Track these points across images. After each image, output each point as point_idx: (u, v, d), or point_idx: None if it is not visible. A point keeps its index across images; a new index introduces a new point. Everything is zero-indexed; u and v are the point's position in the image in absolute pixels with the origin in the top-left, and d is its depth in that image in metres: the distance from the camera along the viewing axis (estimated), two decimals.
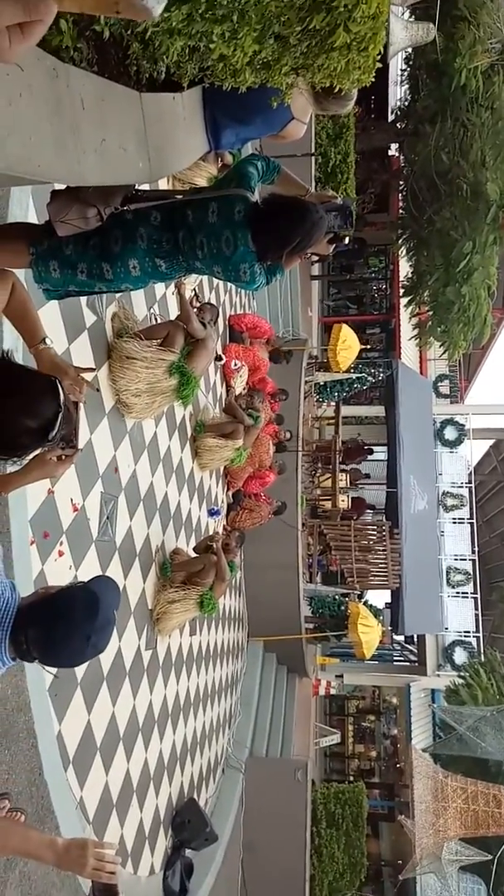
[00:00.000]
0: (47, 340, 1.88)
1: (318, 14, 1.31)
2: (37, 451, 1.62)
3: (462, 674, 13.79)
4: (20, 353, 2.54)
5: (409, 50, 10.40)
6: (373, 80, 1.95)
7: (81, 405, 2.03)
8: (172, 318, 5.54)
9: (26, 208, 3.16)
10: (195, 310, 5.23)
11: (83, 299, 4.08)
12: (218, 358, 7.44)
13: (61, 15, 1.67)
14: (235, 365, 7.75)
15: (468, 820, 7.69)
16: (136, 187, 2.33)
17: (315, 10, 1.30)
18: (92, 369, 4.31)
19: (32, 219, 3.15)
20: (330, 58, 1.63)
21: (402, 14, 9.27)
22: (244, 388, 8.23)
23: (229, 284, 5.69)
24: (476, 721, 9.51)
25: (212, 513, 7.29)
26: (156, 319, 5.31)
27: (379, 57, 1.71)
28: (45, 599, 1.59)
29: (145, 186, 2.39)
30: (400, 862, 16.17)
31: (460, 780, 8.19)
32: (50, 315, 3.61)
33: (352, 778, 20.57)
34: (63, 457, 1.72)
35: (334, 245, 2.50)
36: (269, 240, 2.16)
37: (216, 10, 1.33)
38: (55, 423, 1.46)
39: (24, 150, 1.30)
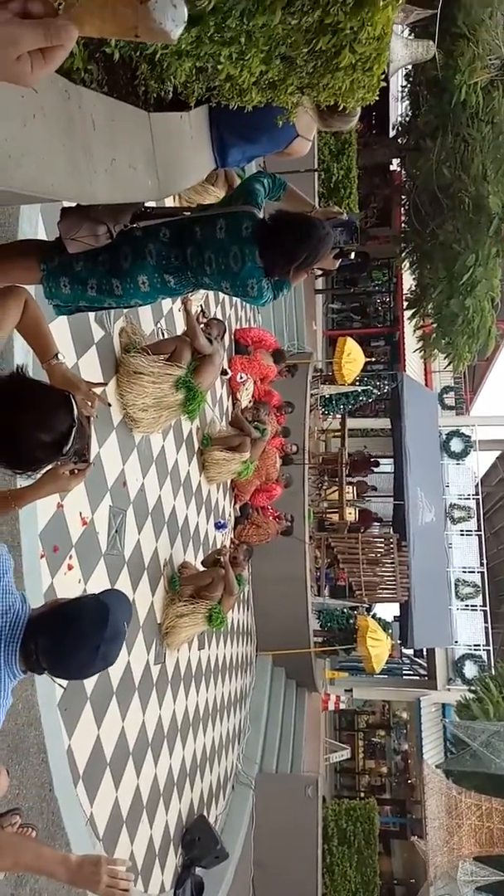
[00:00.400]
0: (59, 356, 1.90)
1: (324, 36, 1.35)
2: (50, 466, 1.64)
3: (473, 688, 13.65)
4: (31, 369, 2.58)
5: (410, 67, 10.54)
6: (375, 97, 2.00)
7: (93, 420, 2.06)
8: (179, 332, 5.59)
9: (36, 225, 3.22)
10: (202, 325, 5.28)
11: (91, 315, 4.13)
12: (224, 372, 7.48)
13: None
14: (241, 378, 7.79)
15: (483, 837, 7.57)
16: (145, 205, 2.37)
17: (321, 32, 1.33)
18: (102, 384, 4.35)
19: (42, 235, 3.21)
20: (335, 77, 1.67)
21: (403, 32, 9.41)
22: (250, 402, 8.26)
23: (235, 299, 5.74)
24: (490, 736, 9.38)
25: (218, 526, 7.30)
26: (163, 334, 5.36)
27: (383, 76, 1.75)
28: (55, 609, 1.59)
29: (153, 203, 2.43)
30: (413, 881, 15.93)
31: (474, 796, 8.07)
32: (59, 330, 3.66)
33: (363, 794, 20.32)
34: (76, 471, 1.73)
35: (339, 260, 2.53)
36: (277, 255, 2.20)
37: (224, 33, 1.37)
38: (69, 438, 1.47)
39: (38, 170, 1.34)
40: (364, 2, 1.22)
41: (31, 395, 1.48)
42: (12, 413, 1.41)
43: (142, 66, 1.94)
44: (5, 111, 1.23)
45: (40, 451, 1.47)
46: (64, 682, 3.55)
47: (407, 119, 12.08)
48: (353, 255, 2.50)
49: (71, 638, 1.52)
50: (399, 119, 12.72)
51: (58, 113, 1.43)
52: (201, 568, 6.25)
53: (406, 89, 11.92)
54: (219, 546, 7.35)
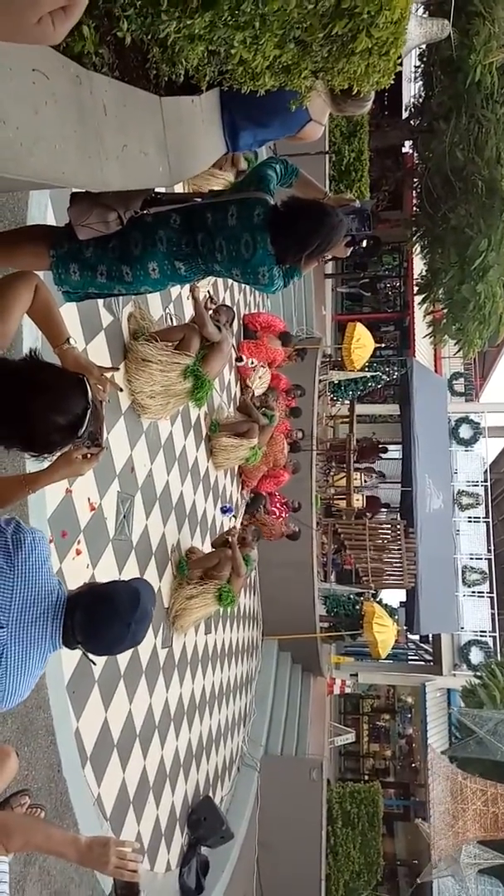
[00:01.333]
0: (71, 341, 1.90)
1: (340, 20, 1.32)
2: (64, 449, 1.65)
3: (478, 674, 13.71)
4: (43, 355, 2.58)
5: (424, 46, 10.34)
6: (391, 81, 1.96)
7: (105, 404, 2.06)
8: (188, 317, 5.57)
9: (45, 210, 3.19)
10: (210, 312, 5.24)
11: (100, 300, 4.11)
12: (238, 359, 7.45)
13: (83, 21, 1.69)
14: (251, 363, 7.75)
15: (487, 822, 7.64)
16: (156, 191, 2.35)
17: (338, 16, 1.30)
18: (115, 368, 4.35)
19: (51, 220, 3.18)
20: (351, 62, 1.64)
21: (417, 10, 9.22)
22: (271, 386, 8.21)
23: (243, 284, 5.71)
24: (497, 724, 9.42)
25: (225, 510, 7.31)
26: (172, 320, 5.34)
27: (399, 60, 1.71)
28: (92, 588, 1.72)
29: (163, 189, 2.41)
30: (416, 862, 16.14)
31: (480, 781, 8.13)
32: (67, 316, 3.64)
33: (367, 777, 20.53)
34: (89, 455, 1.75)
35: (351, 248, 2.50)
36: (289, 243, 2.17)
37: (238, 17, 1.34)
38: (84, 420, 1.49)
39: (50, 157, 1.32)
40: None
41: (45, 378, 1.49)
42: (27, 396, 1.43)
43: (153, 50, 1.91)
44: (17, 98, 1.21)
45: (56, 434, 1.49)
46: (96, 659, 3.66)
47: (420, 100, 11.87)
48: (364, 243, 2.46)
49: (106, 614, 1.64)
50: (412, 100, 12.50)
51: (69, 99, 1.41)
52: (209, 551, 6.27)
53: (419, 69, 11.69)
54: (227, 530, 7.37)
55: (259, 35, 1.48)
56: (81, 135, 1.47)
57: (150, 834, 4.99)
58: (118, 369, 4.43)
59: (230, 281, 7.30)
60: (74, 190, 2.20)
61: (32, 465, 2.96)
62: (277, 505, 8.95)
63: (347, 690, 15.97)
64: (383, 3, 1.24)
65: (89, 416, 1.50)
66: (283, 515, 8.83)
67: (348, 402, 13.84)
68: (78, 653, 1.73)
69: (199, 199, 2.39)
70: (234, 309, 7.20)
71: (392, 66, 1.74)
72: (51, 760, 3.40)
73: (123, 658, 4.50)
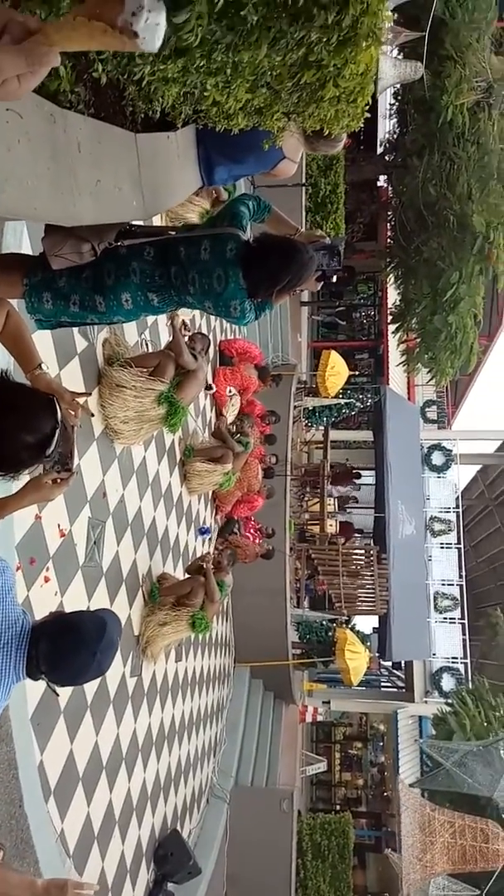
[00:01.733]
0: (43, 366, 1.90)
1: (308, 70, 1.37)
2: (33, 472, 1.64)
3: (449, 701, 13.71)
4: (14, 377, 2.56)
5: (398, 85, 10.69)
6: (360, 125, 2.02)
7: (76, 429, 2.06)
8: (164, 343, 5.59)
9: (20, 237, 3.21)
10: (186, 338, 5.28)
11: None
12: (208, 387, 7.47)
13: (60, 62, 1.72)
14: (230, 392, 7.80)
15: (455, 855, 7.58)
16: (130, 223, 2.38)
17: (305, 66, 1.35)
18: (87, 394, 4.33)
19: (27, 248, 3.20)
20: (320, 107, 1.69)
21: (392, 52, 9.55)
22: (241, 412, 8.27)
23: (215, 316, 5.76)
24: (463, 756, 9.40)
25: (202, 531, 7.26)
26: (147, 346, 5.35)
27: (367, 107, 1.77)
28: (57, 617, 1.73)
29: (139, 222, 2.44)
30: (386, 894, 15.89)
31: (448, 813, 8.09)
32: (41, 340, 3.64)
33: (338, 807, 20.27)
34: (59, 480, 1.75)
35: (322, 283, 2.56)
36: (260, 278, 2.21)
37: (211, 64, 1.38)
38: (52, 440, 1.50)
39: (23, 194, 1.34)
40: (347, 42, 1.24)
41: (15, 397, 1.51)
42: None
43: (129, 88, 1.95)
44: None
45: (24, 452, 1.49)
46: (59, 689, 3.62)
47: (394, 137, 12.23)
48: (335, 278, 2.51)
49: (71, 643, 1.64)
50: (387, 136, 12.87)
51: (43, 137, 1.43)
52: (185, 575, 6.22)
53: (394, 107, 12.08)
54: (200, 555, 7.32)
55: (231, 80, 1.53)
56: (54, 171, 1.49)
57: (114, 870, 4.85)
58: (90, 395, 4.42)
59: None
60: None
61: (1, 485, 2.93)
62: (251, 531, 8.94)
63: (320, 718, 15.84)
64: (349, 57, 1.29)
65: (58, 436, 1.51)
66: (258, 541, 8.83)
67: (322, 427, 13.95)
68: (43, 683, 1.72)
69: (173, 233, 2.43)
70: (210, 335, 7.25)
71: (360, 112, 1.80)
72: (12, 795, 3.30)
73: (90, 688, 4.42)
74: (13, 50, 0.76)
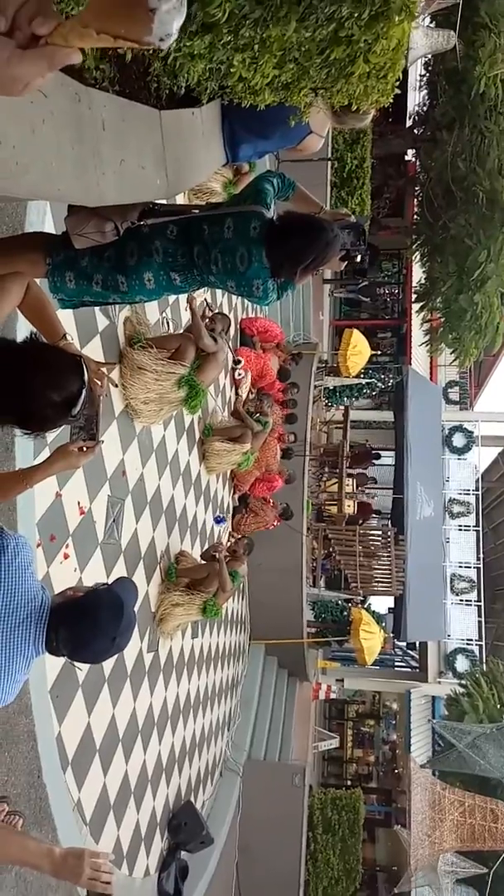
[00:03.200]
0: (67, 337, 1.91)
1: (338, 46, 1.32)
2: (60, 430, 1.66)
3: (463, 682, 13.75)
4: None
5: (429, 56, 10.37)
6: (390, 100, 1.96)
7: (103, 398, 2.08)
8: (184, 321, 5.56)
9: (43, 216, 3.19)
10: (206, 320, 5.24)
11: None
12: (237, 361, 7.44)
13: None
14: (239, 375, 7.78)
15: (464, 833, 7.66)
16: (154, 202, 2.34)
17: (335, 42, 1.30)
18: (112, 363, 4.35)
19: (49, 227, 3.18)
20: (349, 83, 1.64)
21: (424, 21, 9.24)
22: (251, 392, 8.24)
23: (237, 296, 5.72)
24: (476, 738, 9.43)
25: (218, 521, 7.28)
26: (168, 324, 5.33)
27: (397, 82, 1.71)
28: (75, 602, 1.71)
29: (162, 201, 2.40)
30: (395, 868, 16.16)
31: (458, 792, 8.16)
32: (63, 319, 3.62)
33: (349, 783, 20.55)
34: (85, 448, 1.78)
35: (346, 262, 2.51)
36: (284, 257, 2.17)
37: (238, 40, 1.34)
38: (79, 399, 1.52)
39: (47, 175, 1.32)
40: (379, 16, 1.19)
41: (44, 356, 1.54)
42: (25, 371, 1.46)
43: (154, 64, 1.91)
44: (15, 117, 1.20)
45: (50, 410, 1.51)
46: (83, 666, 3.72)
47: (424, 109, 11.91)
48: (359, 259, 2.46)
49: (89, 630, 1.65)
50: (416, 109, 12.54)
51: (67, 116, 1.40)
52: (199, 559, 6.26)
53: (424, 79, 11.73)
54: (217, 537, 7.36)
55: (258, 56, 1.48)
56: (79, 151, 1.47)
57: (129, 839, 4.97)
58: (115, 364, 4.43)
59: None
60: None
61: (20, 455, 2.94)
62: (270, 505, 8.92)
63: (333, 695, 16.00)
64: (380, 32, 1.24)
65: (84, 397, 1.53)
66: (273, 505, 8.80)
67: (343, 407, 13.86)
68: (61, 657, 1.74)
69: (196, 211, 2.39)
70: (231, 314, 7.20)
71: (390, 87, 1.74)
72: (31, 766, 3.38)
73: (108, 662, 4.49)
74: (35, 56, 0.74)
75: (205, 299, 5.02)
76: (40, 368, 1.49)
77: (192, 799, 6.43)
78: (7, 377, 1.45)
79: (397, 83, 1.76)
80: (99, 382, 1.92)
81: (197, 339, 4.84)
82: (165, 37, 0.70)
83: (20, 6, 0.70)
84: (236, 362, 7.50)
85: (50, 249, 2.30)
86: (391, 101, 1.97)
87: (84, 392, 1.52)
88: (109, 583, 1.78)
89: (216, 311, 6.05)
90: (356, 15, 1.18)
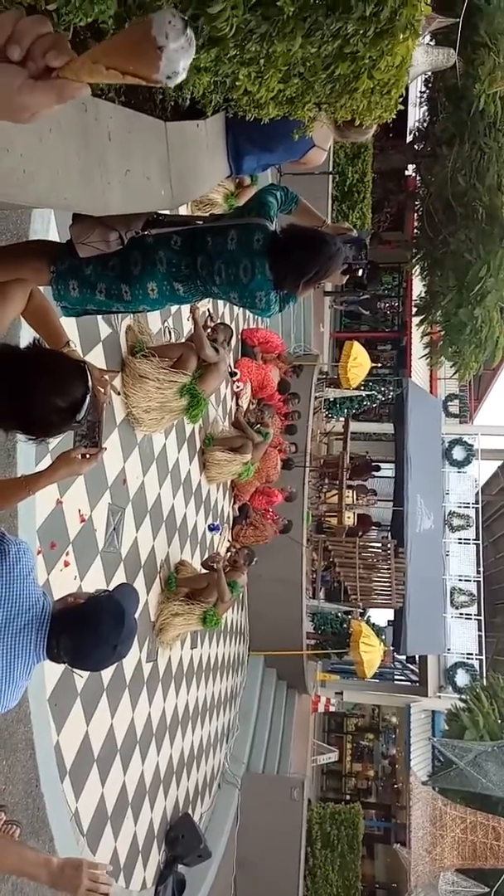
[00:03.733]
0: (70, 344, 1.93)
1: (343, 62, 1.34)
2: (63, 436, 1.67)
3: (463, 697, 13.66)
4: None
5: (430, 73, 10.50)
6: (393, 116, 1.99)
7: (106, 405, 2.10)
8: (186, 330, 5.59)
9: (47, 223, 3.22)
10: (208, 331, 5.28)
11: None
12: (232, 374, 7.47)
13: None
14: (238, 387, 7.81)
15: (466, 851, 7.57)
16: (158, 212, 2.37)
17: (340, 58, 1.33)
18: (115, 371, 4.37)
19: (53, 234, 3.21)
20: (353, 98, 1.67)
21: (424, 39, 9.36)
22: (251, 402, 8.27)
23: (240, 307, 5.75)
24: (477, 756, 9.34)
25: (212, 528, 7.27)
26: (170, 333, 5.36)
27: (400, 98, 1.74)
28: (76, 609, 1.70)
29: (166, 211, 2.43)
30: (395, 885, 15.98)
31: (460, 809, 8.07)
32: (65, 326, 3.64)
33: (348, 797, 20.36)
34: (88, 455, 1.79)
35: (347, 276, 2.53)
36: (287, 269, 2.20)
37: (244, 54, 1.37)
38: (83, 405, 1.52)
39: (53, 184, 1.34)
40: (384, 34, 1.22)
41: (47, 362, 1.54)
42: (30, 377, 1.47)
43: None
44: (22, 126, 1.23)
45: (54, 415, 1.51)
46: (82, 674, 3.71)
47: (424, 125, 12.04)
48: (361, 272, 2.49)
49: (90, 638, 1.65)
50: (416, 125, 12.67)
51: (74, 126, 1.43)
52: (200, 568, 6.26)
53: (425, 95, 11.88)
54: (217, 546, 7.36)
55: (263, 70, 1.51)
56: (85, 160, 1.49)
57: (126, 851, 4.93)
58: (118, 372, 4.46)
59: None
60: None
61: (24, 470, 2.95)
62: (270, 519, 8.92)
63: (332, 708, 15.88)
64: (385, 49, 1.27)
65: (88, 402, 1.53)
66: (274, 519, 8.80)
67: (343, 419, 13.88)
68: (61, 665, 1.74)
69: (200, 222, 2.42)
70: (233, 324, 7.23)
71: (394, 103, 1.77)
72: (29, 775, 3.37)
73: (107, 671, 4.48)
74: (45, 88, 0.76)
75: (206, 310, 5.06)
76: (45, 374, 1.50)
77: (190, 811, 6.38)
78: (11, 383, 1.45)
79: (400, 99, 1.79)
80: (102, 389, 1.93)
81: (199, 350, 4.87)
82: (172, 75, 0.72)
83: (36, 39, 0.72)
84: (232, 374, 7.53)
85: (54, 257, 2.33)
86: (394, 116, 2.01)
87: (88, 398, 1.53)
88: (110, 590, 1.78)
89: (218, 321, 6.09)
90: (361, 32, 1.21)
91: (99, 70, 0.73)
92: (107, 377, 2.00)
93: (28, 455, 3.12)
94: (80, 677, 3.74)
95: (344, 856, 9.96)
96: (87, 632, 1.65)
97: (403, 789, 15.41)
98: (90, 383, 1.55)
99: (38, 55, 0.72)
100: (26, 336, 2.89)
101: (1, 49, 0.72)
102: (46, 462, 2.63)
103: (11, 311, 1.81)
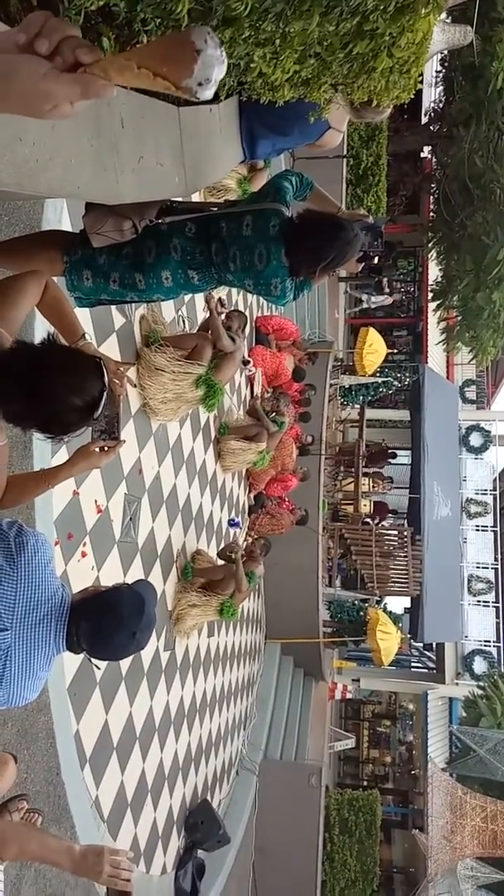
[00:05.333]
0: (86, 336, 1.91)
1: (361, 40, 1.30)
2: (81, 433, 1.66)
3: (481, 684, 13.62)
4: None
5: (446, 52, 10.27)
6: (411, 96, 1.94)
7: (122, 397, 2.08)
8: (200, 319, 5.56)
9: (60, 213, 3.20)
10: (222, 317, 5.24)
11: None
12: (245, 362, 7.43)
13: (104, 32, 1.68)
14: (249, 371, 7.76)
15: (486, 839, 7.57)
16: (171, 199, 2.34)
17: (359, 36, 1.29)
18: (131, 364, 4.36)
19: (66, 224, 3.18)
20: (371, 78, 1.62)
21: (440, 16, 9.16)
22: (266, 391, 8.22)
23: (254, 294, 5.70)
24: (497, 744, 9.31)
25: (232, 524, 7.27)
26: (184, 322, 5.33)
27: (420, 77, 1.69)
28: (96, 595, 1.72)
29: (179, 198, 2.40)
30: (412, 870, 16.07)
31: (480, 797, 8.07)
32: (79, 317, 3.63)
33: (366, 783, 20.45)
34: (106, 448, 1.78)
35: (363, 263, 2.49)
36: (303, 256, 2.16)
37: (259, 35, 1.33)
38: (100, 402, 1.50)
39: (66, 173, 1.31)
40: (405, 9, 1.17)
41: (63, 359, 1.51)
42: (45, 377, 1.44)
43: None
44: None
45: (72, 414, 1.50)
46: (101, 664, 3.73)
47: (440, 106, 11.82)
48: (376, 260, 2.44)
49: (111, 624, 1.64)
50: (432, 105, 12.43)
51: (87, 113, 1.40)
52: (216, 557, 6.26)
53: (441, 75, 11.64)
54: (233, 537, 7.36)
55: (279, 51, 1.46)
56: (97, 148, 1.46)
57: (146, 837, 4.99)
58: (134, 364, 4.44)
59: None
60: None
61: (40, 464, 2.96)
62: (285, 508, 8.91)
63: (349, 696, 15.91)
64: (406, 25, 1.22)
65: (105, 398, 1.51)
66: (290, 508, 8.78)
67: (358, 406, 13.79)
68: (80, 655, 1.74)
69: (214, 209, 2.38)
70: (247, 311, 7.18)
71: (413, 83, 1.72)
72: (50, 763, 3.40)
73: (125, 661, 4.50)
74: (70, 79, 0.75)
75: (219, 297, 5.02)
76: (61, 373, 1.47)
77: (209, 798, 6.44)
78: (28, 382, 1.43)
79: (420, 78, 1.73)
80: (118, 382, 1.92)
81: (216, 340, 4.84)
82: (205, 81, 0.71)
83: (65, 37, 0.72)
84: (245, 363, 7.48)
85: (67, 247, 2.31)
86: (412, 96, 1.95)
87: (105, 394, 1.51)
88: (129, 583, 1.79)
89: (232, 308, 6.04)
90: (382, 7, 1.16)
91: (130, 68, 0.73)
92: (122, 369, 1.99)
93: (44, 449, 3.12)
94: (98, 668, 3.76)
95: (362, 841, 10.02)
96: (107, 615, 1.65)
97: (420, 775, 15.45)
98: (106, 378, 1.53)
99: (68, 51, 0.72)
100: (40, 329, 2.88)
101: (29, 43, 0.72)
102: (62, 455, 2.62)
103: (27, 305, 1.79)
